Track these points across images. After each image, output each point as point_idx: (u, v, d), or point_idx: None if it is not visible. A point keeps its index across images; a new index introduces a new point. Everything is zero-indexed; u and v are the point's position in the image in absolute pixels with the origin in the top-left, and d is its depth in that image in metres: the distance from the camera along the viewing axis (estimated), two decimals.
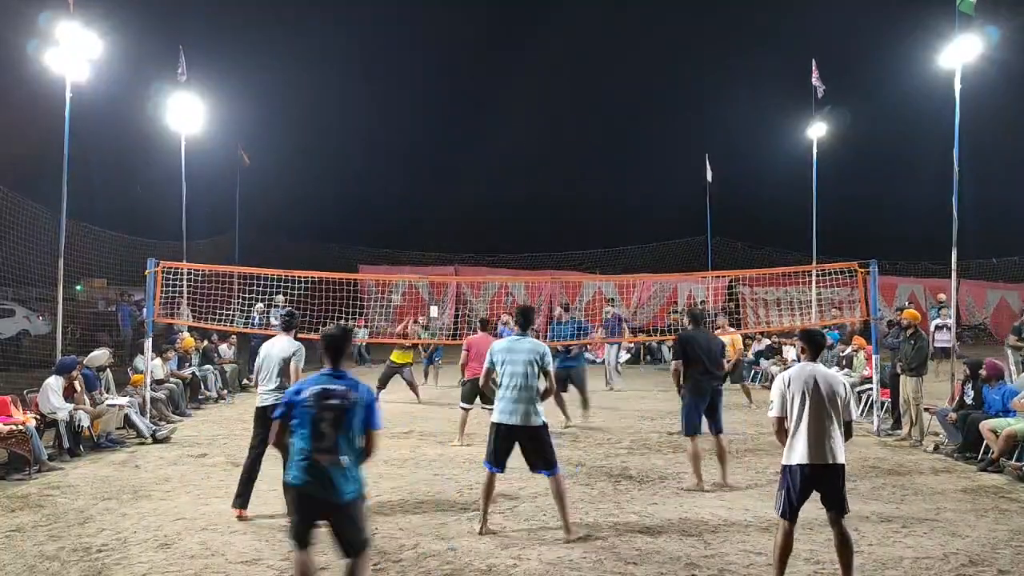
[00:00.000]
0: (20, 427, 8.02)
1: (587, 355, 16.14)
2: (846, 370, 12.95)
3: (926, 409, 9.82)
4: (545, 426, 5.99)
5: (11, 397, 8.62)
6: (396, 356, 13.21)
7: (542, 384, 6.06)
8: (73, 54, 10.67)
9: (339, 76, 40.04)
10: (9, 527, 6.17)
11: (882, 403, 10.76)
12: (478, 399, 9.39)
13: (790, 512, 4.81)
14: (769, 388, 16.11)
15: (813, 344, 5.06)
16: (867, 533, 6.02)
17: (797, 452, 4.78)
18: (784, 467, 4.87)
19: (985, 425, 8.41)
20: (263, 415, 6.58)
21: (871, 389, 11.01)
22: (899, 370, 9.98)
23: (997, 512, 6.66)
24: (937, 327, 15.12)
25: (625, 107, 45.86)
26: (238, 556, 5.52)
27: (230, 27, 36.24)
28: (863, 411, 11.59)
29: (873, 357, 10.91)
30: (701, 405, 7.53)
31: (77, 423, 8.86)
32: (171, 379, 12.24)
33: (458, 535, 5.97)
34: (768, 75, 37.93)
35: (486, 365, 6.12)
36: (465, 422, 9.62)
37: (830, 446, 4.73)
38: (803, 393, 4.80)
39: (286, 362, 6.53)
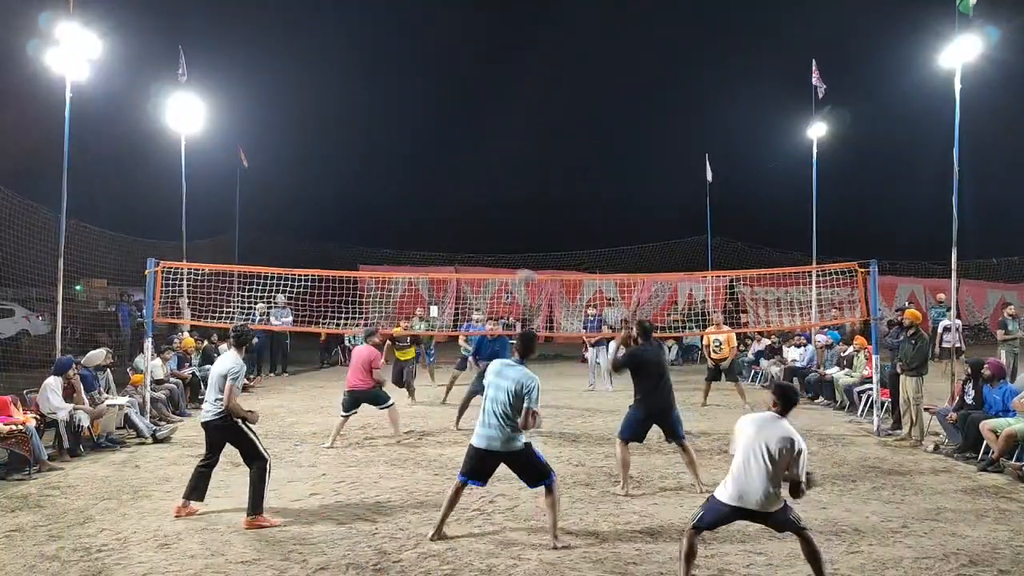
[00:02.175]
0: (20, 427, 8.02)
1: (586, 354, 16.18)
2: (846, 370, 12.96)
3: (926, 409, 9.83)
4: (528, 445, 5.84)
5: (11, 397, 8.62)
6: (400, 354, 13.56)
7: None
8: (73, 54, 10.66)
9: (339, 76, 40.05)
10: (9, 527, 6.18)
11: (882, 403, 10.76)
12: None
13: (705, 527, 4.94)
14: (768, 389, 16.15)
15: (786, 401, 4.94)
16: (867, 533, 6.03)
17: (728, 491, 4.82)
18: (712, 496, 4.96)
19: (985, 425, 8.42)
20: (205, 427, 6.60)
21: (871, 389, 11.02)
22: (899, 370, 9.98)
23: (997, 512, 6.66)
24: (945, 328, 15.11)
25: (625, 107, 45.99)
26: (238, 556, 5.52)
27: (230, 27, 36.26)
28: (863, 411, 11.60)
29: (873, 357, 10.92)
30: (647, 420, 7.42)
31: (77, 423, 8.86)
32: (171, 379, 12.24)
33: (458, 535, 5.97)
34: (768, 75, 37.99)
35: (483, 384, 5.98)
36: (340, 428, 9.71)
37: (758, 499, 4.72)
38: (751, 442, 4.77)
39: (223, 379, 6.43)
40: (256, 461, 6.42)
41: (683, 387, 15.05)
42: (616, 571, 5.25)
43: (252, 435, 6.52)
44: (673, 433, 7.47)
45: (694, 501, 6.96)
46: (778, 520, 4.84)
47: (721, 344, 13.08)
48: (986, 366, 9.04)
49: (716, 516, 4.89)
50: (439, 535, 5.88)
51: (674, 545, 5.74)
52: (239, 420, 6.47)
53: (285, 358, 17.96)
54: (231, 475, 7.56)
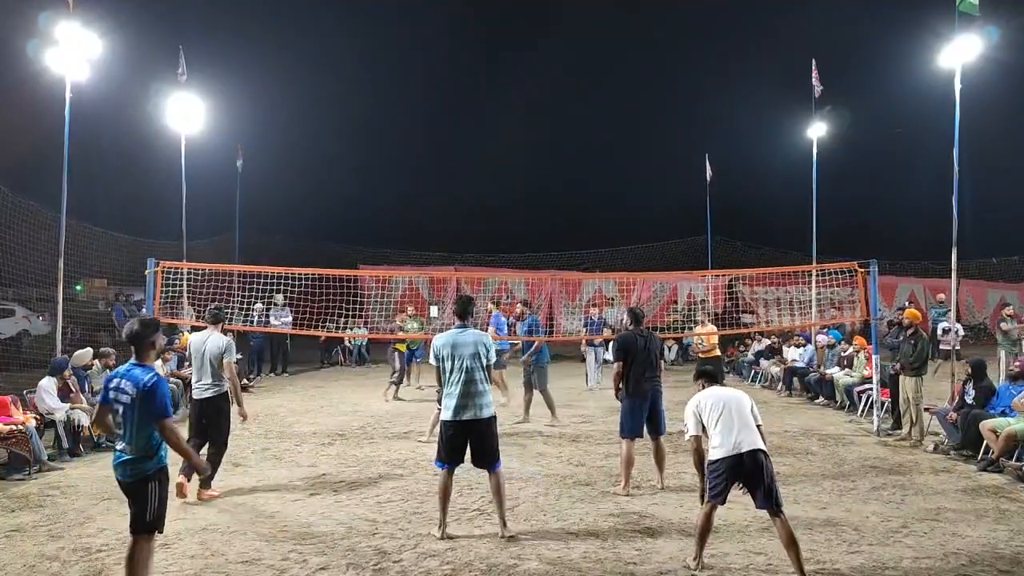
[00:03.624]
0: (20, 427, 8.02)
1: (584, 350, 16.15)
2: (846, 370, 12.95)
3: (926, 409, 9.82)
4: (494, 418, 6.03)
5: (11, 397, 8.62)
6: (402, 347, 13.75)
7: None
8: (73, 54, 10.67)
9: (339, 76, 40.13)
10: (9, 527, 6.17)
11: (882, 403, 10.76)
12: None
13: (716, 496, 5.24)
14: (769, 389, 16.16)
15: (710, 378, 5.79)
16: (867, 533, 6.03)
17: (723, 447, 5.23)
18: (708, 463, 5.34)
19: (985, 425, 8.41)
20: (200, 407, 6.97)
21: (871, 389, 11.01)
22: (896, 370, 9.97)
23: (997, 512, 6.66)
24: (944, 330, 15.09)
25: (626, 107, 46.02)
26: (238, 556, 5.52)
27: (230, 27, 36.30)
28: (863, 411, 11.59)
29: (873, 357, 10.91)
30: (643, 407, 7.38)
31: (76, 423, 8.86)
32: (171, 379, 12.23)
33: (458, 535, 5.97)
34: (768, 75, 38.05)
35: (430, 360, 6.11)
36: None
37: (752, 439, 5.21)
38: (719, 406, 5.36)
39: (221, 358, 6.90)
40: (222, 446, 7.05)
41: (684, 387, 15.06)
42: (616, 571, 5.24)
43: (230, 420, 7.09)
44: (656, 426, 7.53)
45: (694, 501, 6.95)
46: (763, 478, 5.08)
47: (703, 341, 13.38)
48: (1016, 364, 9.05)
49: (718, 479, 5.18)
50: (445, 533, 5.92)
51: (674, 545, 5.76)
52: (233, 400, 7.00)
53: (285, 358, 17.97)
54: (231, 475, 7.58)
